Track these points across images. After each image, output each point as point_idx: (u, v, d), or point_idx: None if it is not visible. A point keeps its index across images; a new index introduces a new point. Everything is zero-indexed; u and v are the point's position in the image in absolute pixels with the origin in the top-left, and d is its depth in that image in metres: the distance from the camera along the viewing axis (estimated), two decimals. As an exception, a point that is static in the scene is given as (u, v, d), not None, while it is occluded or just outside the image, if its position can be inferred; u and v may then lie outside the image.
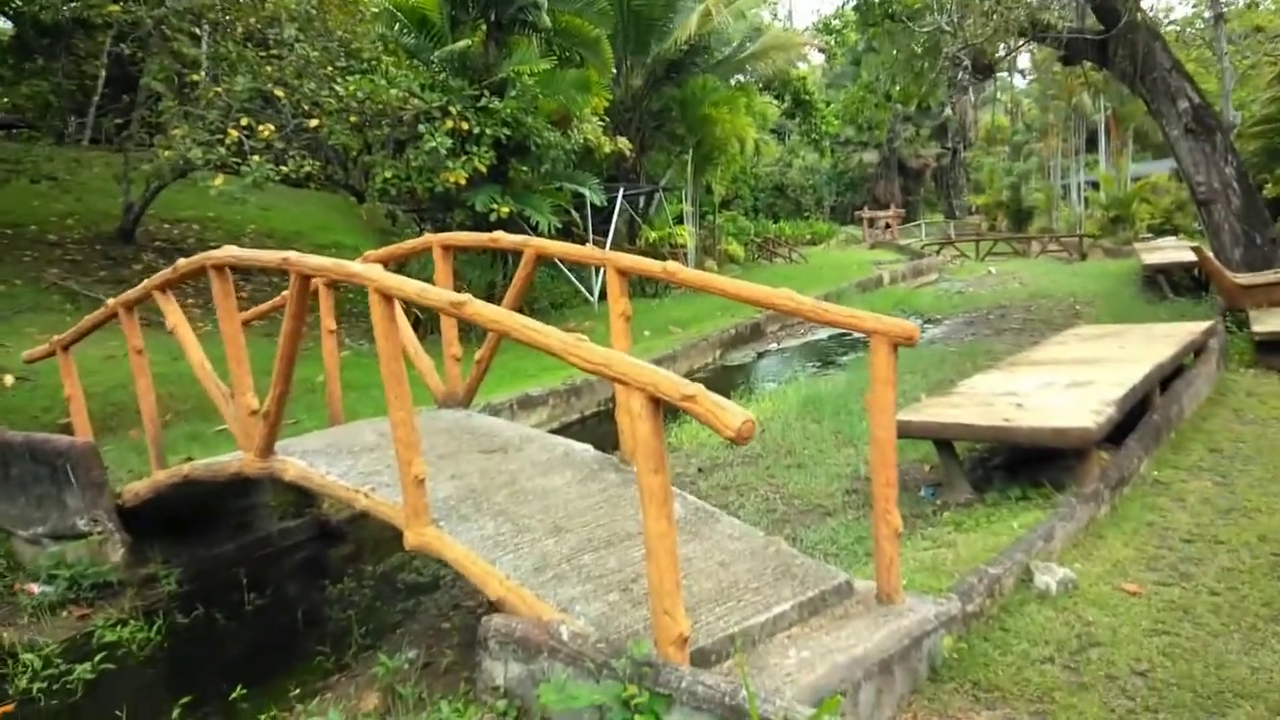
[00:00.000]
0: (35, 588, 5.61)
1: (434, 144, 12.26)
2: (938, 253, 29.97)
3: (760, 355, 13.19)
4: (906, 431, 5.29)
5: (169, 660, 5.07)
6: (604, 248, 18.03)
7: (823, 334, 15.44)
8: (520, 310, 4.44)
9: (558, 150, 13.84)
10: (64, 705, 4.49)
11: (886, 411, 3.72)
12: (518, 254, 5.45)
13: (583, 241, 18.44)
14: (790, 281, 20.47)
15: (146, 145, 12.50)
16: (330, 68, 12.43)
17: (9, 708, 4.44)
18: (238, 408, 5.01)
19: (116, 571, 5.76)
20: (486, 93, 13.18)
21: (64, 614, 5.47)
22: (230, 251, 4.96)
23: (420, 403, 7.07)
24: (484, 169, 12.89)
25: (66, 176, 15.74)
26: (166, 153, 11.83)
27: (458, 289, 4.69)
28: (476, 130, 12.85)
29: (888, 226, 37.74)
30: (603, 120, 14.63)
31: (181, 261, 5.20)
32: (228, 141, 11.84)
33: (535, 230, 14.28)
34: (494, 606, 3.59)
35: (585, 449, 4.77)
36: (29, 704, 4.47)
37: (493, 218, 13.23)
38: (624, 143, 14.87)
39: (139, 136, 13.52)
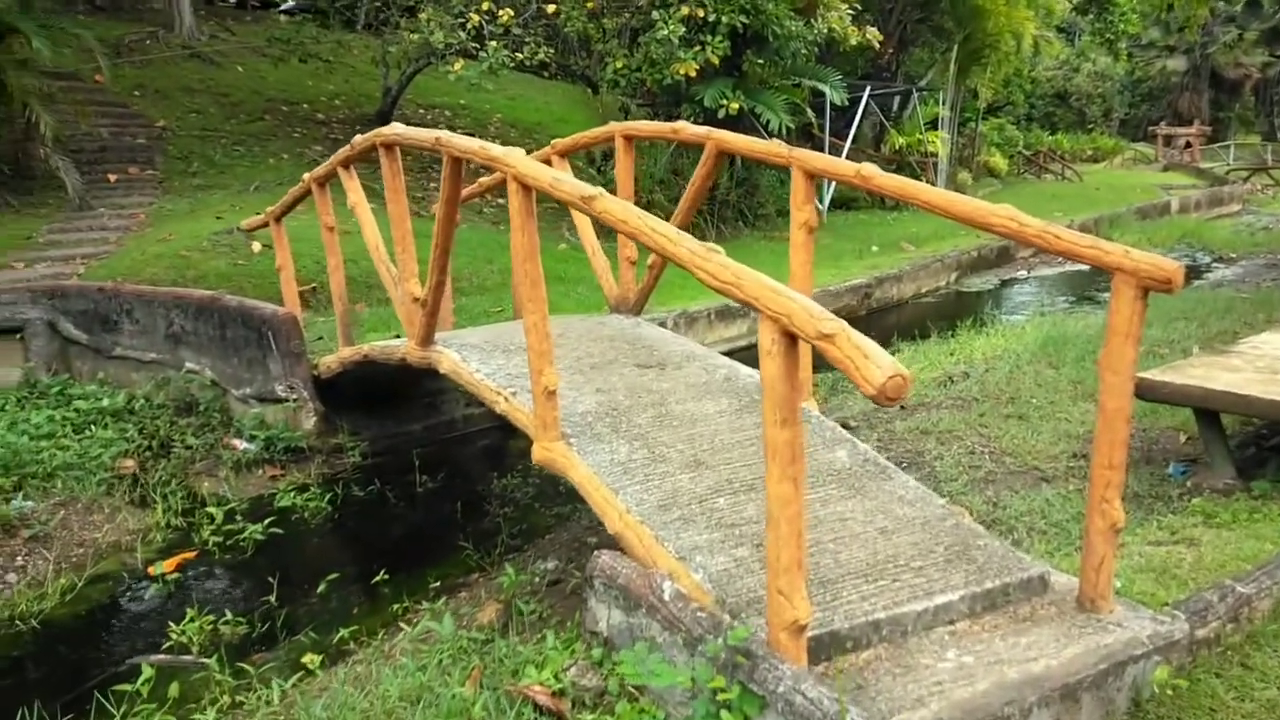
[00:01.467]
0: (239, 444, 6.02)
1: (666, 31, 11.66)
2: (1246, 180, 25.52)
3: (1005, 283, 11.76)
4: (1160, 395, 4.29)
5: (334, 532, 5.26)
6: (842, 152, 16.79)
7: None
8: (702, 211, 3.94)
9: (798, 42, 12.76)
10: (234, 560, 4.76)
11: (1122, 373, 2.88)
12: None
13: (820, 145, 17.27)
14: (1057, 202, 18.21)
15: (399, 29, 12.84)
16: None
17: (191, 555, 4.76)
18: (402, 293, 4.92)
19: (308, 438, 6.04)
20: (729, -24, 12.28)
21: (259, 472, 5.83)
22: (396, 129, 4.79)
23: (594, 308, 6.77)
24: (716, 61, 12.15)
25: (330, 59, 16.78)
26: (413, 36, 12.12)
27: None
28: (712, 17, 12.08)
29: (1188, 146, 32.55)
30: (853, 8, 13.28)
31: (358, 138, 5.12)
32: (469, 26, 11.93)
33: (767, 129, 13.44)
34: (614, 540, 3.24)
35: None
36: (204, 555, 4.77)
37: (721, 114, 12.53)
38: (873, 34, 13.44)
39: (394, 20, 13.95)
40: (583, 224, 6.00)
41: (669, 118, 13.80)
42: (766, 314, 2.35)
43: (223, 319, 6.38)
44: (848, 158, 19.03)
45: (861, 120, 17.81)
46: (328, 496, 5.46)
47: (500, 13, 12.06)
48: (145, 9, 19.43)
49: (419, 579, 4.47)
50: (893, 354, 7.24)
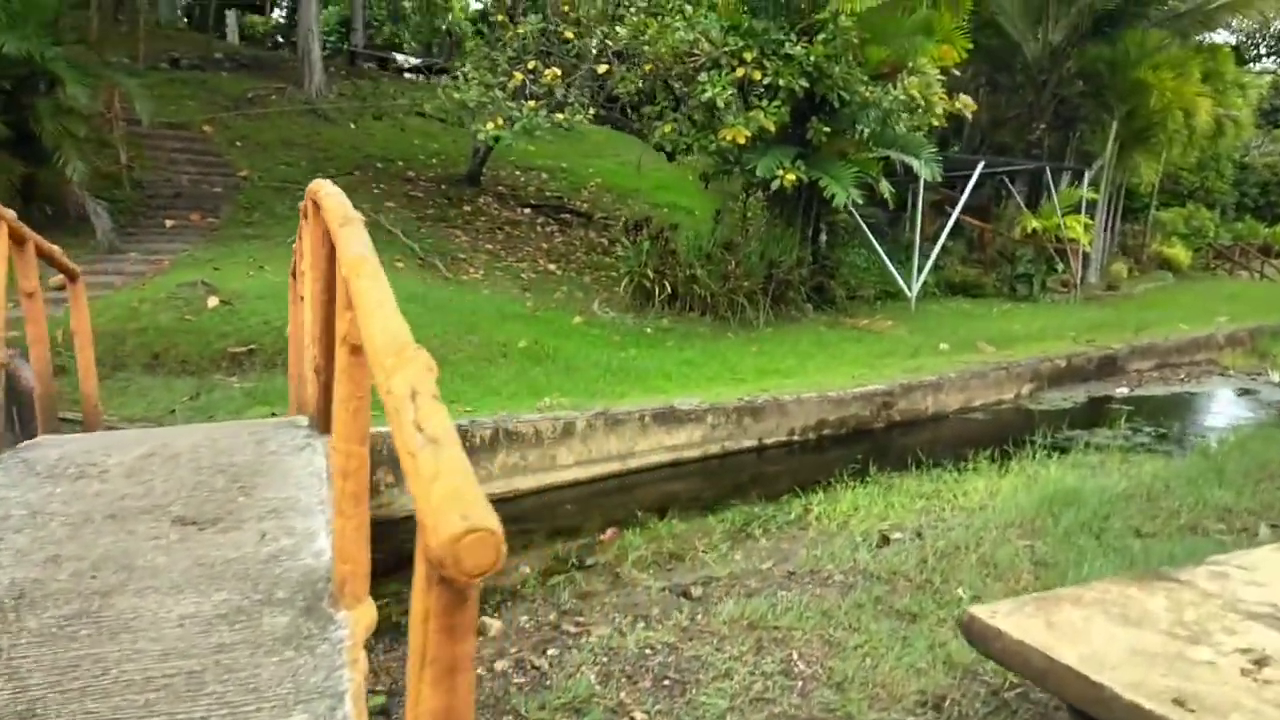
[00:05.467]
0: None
1: (710, 94, 10.58)
2: None
3: (1094, 400, 9.59)
4: (987, 648, 2.67)
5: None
6: (944, 233, 14.83)
7: (1226, 384, 10.99)
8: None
9: (875, 109, 11.29)
10: None
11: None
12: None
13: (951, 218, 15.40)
14: (1228, 303, 15.34)
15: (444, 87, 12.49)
16: (623, 6, 11.34)
17: None
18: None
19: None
20: (794, 36, 11.09)
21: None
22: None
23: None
24: (772, 127, 10.91)
25: (430, 115, 16.79)
26: (455, 95, 11.71)
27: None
28: (768, 81, 10.89)
29: None
30: (941, 77, 11.64)
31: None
32: (510, 85, 11.37)
33: (830, 205, 11.96)
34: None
35: (323, 553, 2.94)
36: None
37: (774, 185, 11.23)
38: (965, 102, 11.72)
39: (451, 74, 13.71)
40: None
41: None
42: None
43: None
44: (953, 236, 16.92)
45: (1005, 200, 15.76)
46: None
47: (546, 73, 11.42)
48: (285, 66, 20.53)
49: None
50: (859, 484, 5.72)
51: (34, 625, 2.29)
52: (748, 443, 7.40)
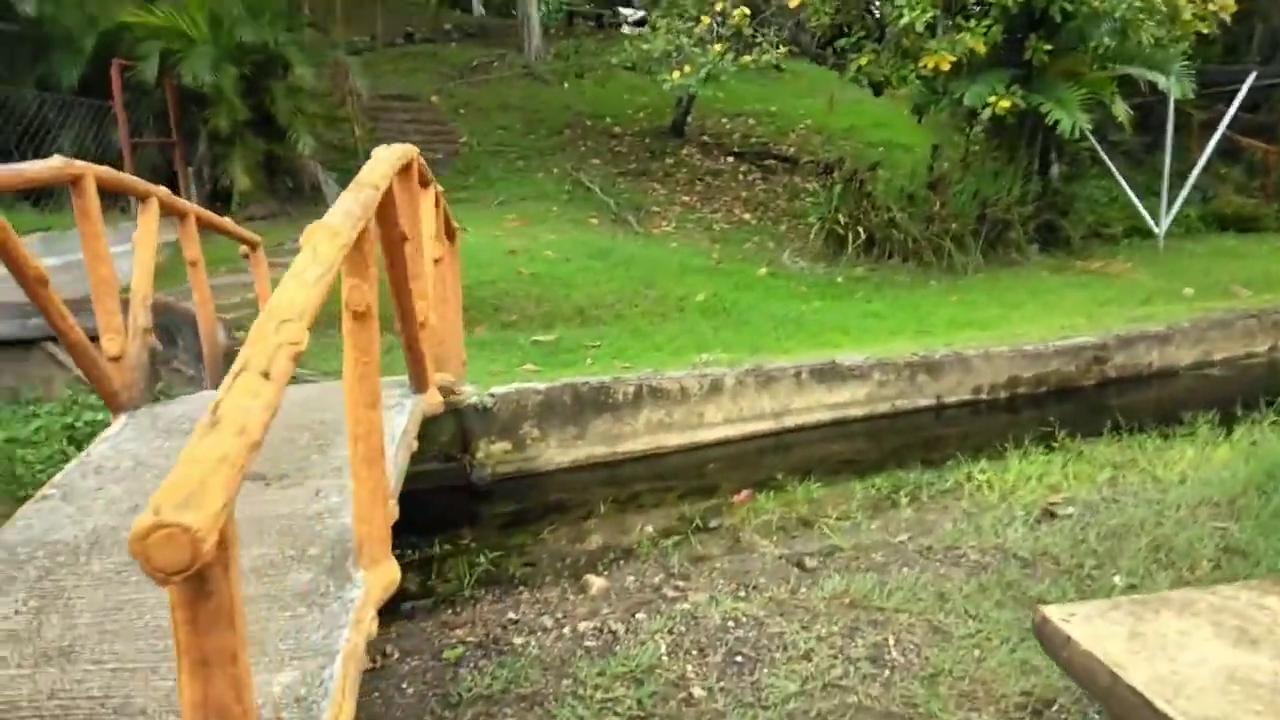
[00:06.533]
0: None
1: (908, 18, 9.74)
2: None
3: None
4: (1057, 655, 2.27)
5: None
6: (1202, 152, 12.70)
7: None
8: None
9: (1111, 19, 9.85)
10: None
11: None
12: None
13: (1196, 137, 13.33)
14: None
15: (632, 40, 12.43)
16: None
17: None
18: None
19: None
20: (1008, -56, 9.90)
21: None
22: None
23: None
24: (983, 50, 9.87)
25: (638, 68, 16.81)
26: (644, 45, 11.64)
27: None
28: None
29: None
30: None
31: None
32: (696, 30, 11.14)
33: (1054, 132, 10.66)
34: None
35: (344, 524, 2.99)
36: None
37: (985, 114, 10.19)
38: (1223, 3, 9.86)
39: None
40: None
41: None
42: None
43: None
44: (1231, 161, 14.33)
45: (1230, 116, 13.29)
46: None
47: (735, 13, 11.05)
48: (508, 33, 21.38)
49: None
50: (1041, 451, 5.19)
51: (97, 569, 2.55)
52: (923, 402, 6.84)
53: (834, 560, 4.18)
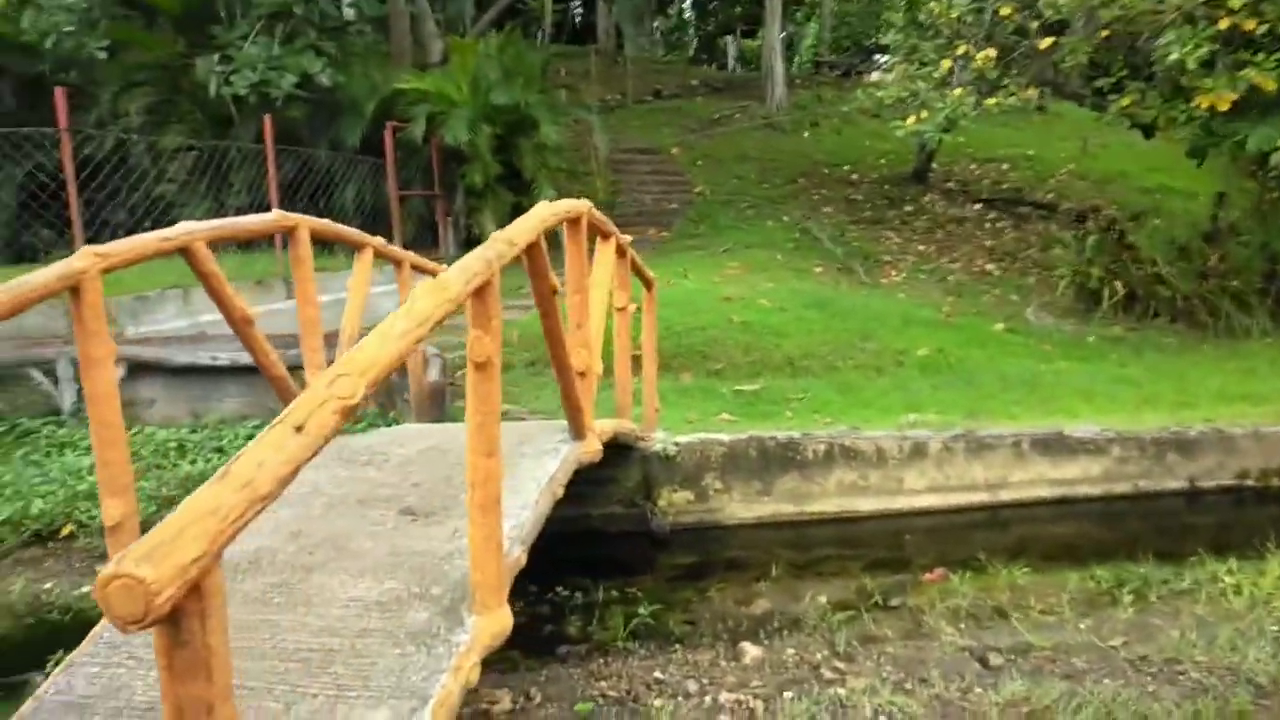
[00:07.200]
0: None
1: (1177, 55, 8.74)
2: None
3: None
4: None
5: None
6: None
7: None
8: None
9: None
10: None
11: None
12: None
13: None
14: None
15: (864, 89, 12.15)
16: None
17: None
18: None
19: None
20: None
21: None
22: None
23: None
24: (1270, 86, 8.64)
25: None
26: (877, 92, 11.33)
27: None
28: (1265, 29, 8.64)
29: None
30: None
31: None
32: (936, 74, 10.71)
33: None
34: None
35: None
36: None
37: (1276, 159, 8.87)
38: None
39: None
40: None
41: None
42: None
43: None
44: None
45: None
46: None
47: (979, 56, 10.51)
48: (753, 87, 21.71)
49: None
50: None
51: (248, 587, 2.77)
52: (1172, 484, 5.95)
53: (1024, 660, 3.70)
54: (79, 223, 7.01)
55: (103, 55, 10.88)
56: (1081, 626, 4.07)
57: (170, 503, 4.84)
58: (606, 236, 4.24)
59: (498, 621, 2.58)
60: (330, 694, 2.32)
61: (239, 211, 9.84)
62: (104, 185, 8.96)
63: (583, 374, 3.64)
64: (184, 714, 1.23)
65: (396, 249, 4.90)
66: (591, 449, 3.73)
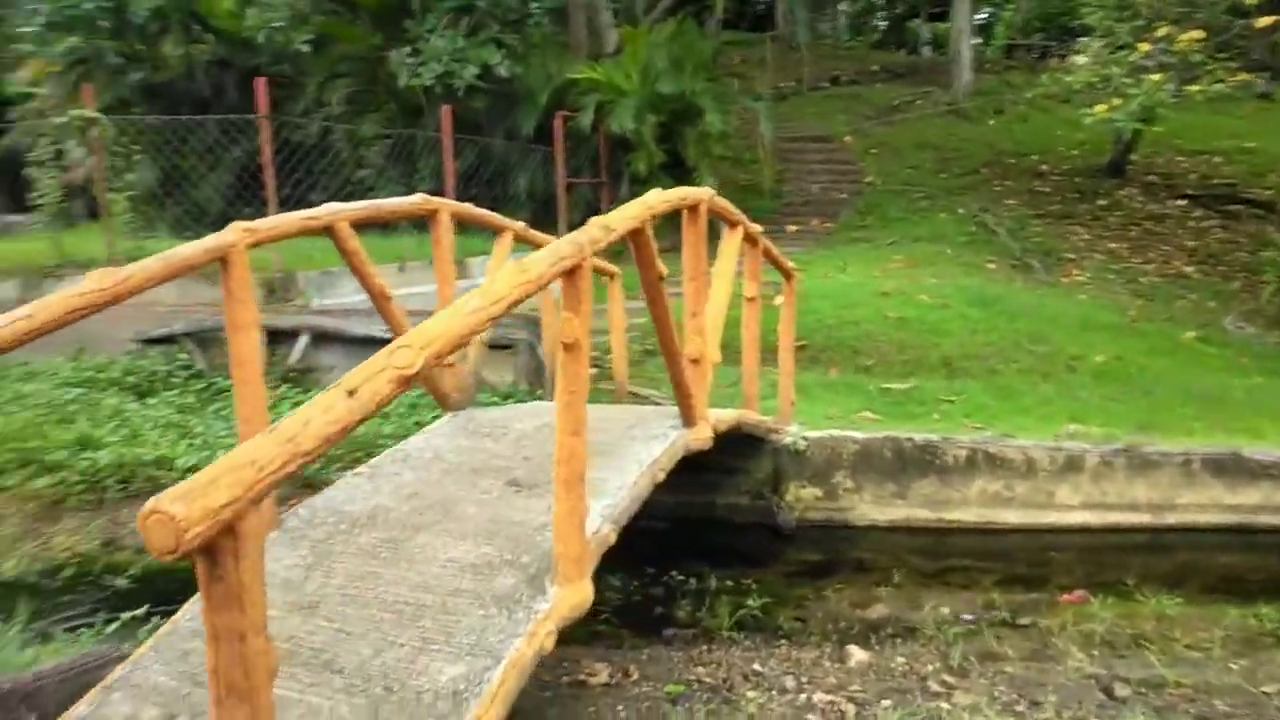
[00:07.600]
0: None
1: None
2: None
3: None
4: None
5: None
6: None
7: None
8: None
9: None
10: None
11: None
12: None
13: None
14: None
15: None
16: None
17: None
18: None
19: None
20: None
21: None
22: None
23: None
24: None
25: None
26: (1066, 78, 10.58)
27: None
28: None
29: None
30: None
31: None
32: (1132, 57, 9.89)
33: None
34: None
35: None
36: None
37: None
38: None
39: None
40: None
41: None
42: None
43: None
44: None
45: None
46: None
47: (1182, 38, 9.61)
48: (938, 71, 20.74)
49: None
50: None
51: (363, 540, 3.00)
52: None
53: (1156, 695, 3.41)
54: (274, 201, 7.71)
55: (307, 49, 11.84)
56: (1233, 667, 3.69)
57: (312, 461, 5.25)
58: (734, 225, 4.22)
59: (578, 594, 2.67)
60: (416, 645, 2.49)
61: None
62: (310, 169, 9.80)
63: (696, 361, 3.66)
64: (219, 640, 1.38)
65: (537, 234, 5.08)
66: (701, 436, 3.74)
